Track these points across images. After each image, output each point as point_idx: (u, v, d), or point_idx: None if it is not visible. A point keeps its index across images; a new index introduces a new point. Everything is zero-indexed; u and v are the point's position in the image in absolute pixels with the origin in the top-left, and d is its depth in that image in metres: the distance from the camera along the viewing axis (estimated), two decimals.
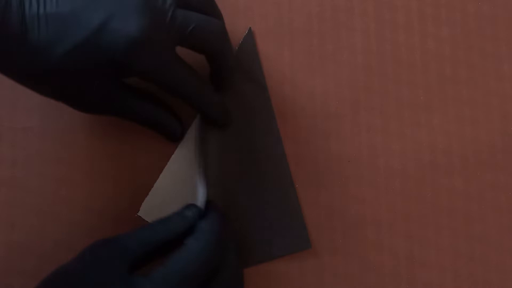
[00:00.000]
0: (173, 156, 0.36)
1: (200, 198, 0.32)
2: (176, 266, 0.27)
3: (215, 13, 0.33)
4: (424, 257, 0.36)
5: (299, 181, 0.37)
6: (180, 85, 0.31)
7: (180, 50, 0.31)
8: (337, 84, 0.38)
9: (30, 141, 0.37)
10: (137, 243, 0.28)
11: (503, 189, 0.37)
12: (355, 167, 0.37)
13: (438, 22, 0.39)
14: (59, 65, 0.28)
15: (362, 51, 0.38)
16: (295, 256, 0.35)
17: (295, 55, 0.38)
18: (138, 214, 0.35)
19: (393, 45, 0.38)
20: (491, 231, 0.36)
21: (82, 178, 0.36)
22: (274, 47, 0.38)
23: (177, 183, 0.36)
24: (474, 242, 0.36)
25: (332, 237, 0.36)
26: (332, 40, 0.38)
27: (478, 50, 0.38)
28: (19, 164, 0.36)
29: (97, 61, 0.29)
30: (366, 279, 0.36)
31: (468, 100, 0.38)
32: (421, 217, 0.36)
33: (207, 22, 0.31)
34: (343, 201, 0.36)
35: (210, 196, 0.33)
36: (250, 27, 0.38)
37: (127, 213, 0.36)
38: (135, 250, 0.27)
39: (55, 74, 0.29)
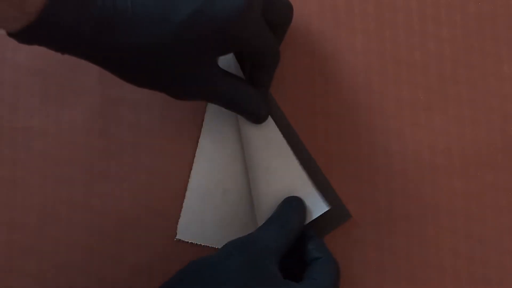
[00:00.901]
0: (192, 171, 0.36)
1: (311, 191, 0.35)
2: (324, 281, 0.30)
3: None
4: (424, 257, 0.36)
5: None
6: (269, 50, 0.32)
7: None
8: (337, 84, 0.38)
9: (30, 141, 0.37)
10: (279, 246, 0.31)
11: (503, 189, 0.37)
12: (355, 167, 0.37)
13: (438, 22, 0.39)
14: (171, 37, 0.28)
15: (362, 51, 0.38)
16: None
17: (295, 55, 0.38)
18: (177, 237, 0.35)
19: (393, 45, 0.38)
20: (491, 231, 0.36)
21: (82, 178, 0.36)
22: None
23: (204, 195, 0.36)
24: (474, 242, 0.36)
25: (332, 238, 0.36)
26: (332, 40, 0.38)
27: (478, 50, 0.38)
28: (19, 164, 0.36)
29: (208, 30, 0.29)
30: (365, 279, 0.36)
31: (468, 100, 0.38)
32: (421, 217, 0.36)
33: None
34: (343, 201, 0.36)
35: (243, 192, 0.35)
36: None
37: (127, 213, 0.36)
38: (277, 252, 0.30)
39: (163, 49, 0.28)
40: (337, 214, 0.36)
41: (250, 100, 0.34)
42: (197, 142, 0.37)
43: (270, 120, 0.36)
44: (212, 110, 0.37)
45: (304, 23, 0.38)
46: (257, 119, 0.35)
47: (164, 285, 0.28)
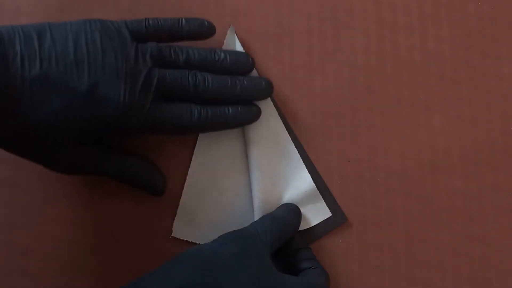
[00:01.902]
0: (190, 169, 0.36)
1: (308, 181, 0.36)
2: (317, 280, 0.32)
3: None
4: (424, 257, 0.36)
5: None
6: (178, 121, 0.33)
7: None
8: (337, 84, 0.38)
9: None
10: (272, 239, 0.31)
11: (503, 189, 0.37)
12: (355, 167, 0.37)
13: (438, 22, 0.39)
14: (52, 120, 0.29)
15: (362, 51, 0.38)
16: None
17: (295, 55, 0.38)
18: (173, 235, 0.35)
19: (393, 45, 0.38)
20: (491, 231, 0.36)
21: (82, 177, 0.36)
22: (274, 47, 0.38)
23: (201, 194, 0.36)
24: (474, 242, 0.36)
25: (332, 238, 0.36)
26: (332, 40, 0.38)
27: (478, 50, 0.38)
28: (19, 164, 0.36)
29: (86, 122, 0.30)
30: (365, 279, 0.36)
31: (468, 100, 0.38)
32: (421, 217, 0.36)
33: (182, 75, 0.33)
34: (343, 201, 0.36)
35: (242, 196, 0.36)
36: (231, 25, 0.37)
37: (128, 212, 0.36)
38: (271, 245, 0.31)
39: (49, 129, 0.30)
40: (333, 218, 0.36)
41: (142, 175, 0.34)
42: (196, 141, 0.37)
43: (279, 122, 0.36)
44: None
45: (304, 23, 0.38)
46: (155, 193, 0.35)
47: (161, 268, 0.28)
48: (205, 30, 0.35)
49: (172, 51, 0.33)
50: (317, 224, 0.36)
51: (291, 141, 0.36)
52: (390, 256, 0.36)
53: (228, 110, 0.34)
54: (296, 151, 0.36)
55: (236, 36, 0.37)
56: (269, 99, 0.37)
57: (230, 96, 0.34)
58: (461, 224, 0.36)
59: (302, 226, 0.35)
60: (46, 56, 0.29)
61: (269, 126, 0.36)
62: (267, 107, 0.37)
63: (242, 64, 0.35)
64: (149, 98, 0.32)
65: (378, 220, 0.36)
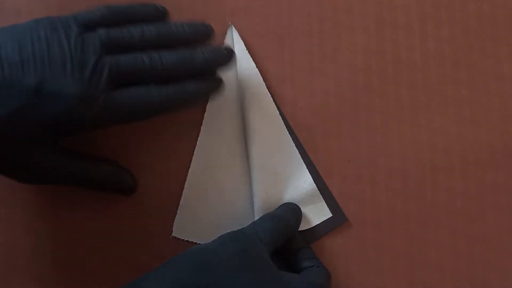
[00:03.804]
0: (190, 169, 0.36)
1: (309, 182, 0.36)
2: (318, 279, 0.32)
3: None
4: (424, 257, 0.36)
5: None
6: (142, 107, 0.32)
7: None
8: (337, 84, 0.38)
9: None
10: (272, 238, 0.31)
11: (503, 189, 0.37)
12: (355, 167, 0.37)
13: (438, 22, 0.39)
14: (6, 125, 0.29)
15: (362, 51, 0.38)
16: None
17: (295, 55, 0.38)
18: (173, 235, 0.35)
19: (393, 45, 0.38)
20: (491, 231, 0.36)
21: None
22: (274, 47, 0.38)
23: (201, 194, 0.36)
24: (474, 242, 0.36)
25: (332, 238, 0.36)
26: (332, 40, 0.38)
27: (478, 50, 0.38)
28: None
29: (39, 121, 0.30)
30: (365, 279, 0.36)
31: (468, 100, 0.38)
32: (421, 217, 0.36)
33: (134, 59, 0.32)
34: (343, 201, 0.36)
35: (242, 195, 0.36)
36: (230, 23, 0.38)
37: (128, 212, 0.36)
38: (270, 244, 0.31)
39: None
40: (333, 218, 0.36)
41: (109, 176, 0.34)
42: (196, 142, 0.37)
43: (280, 122, 0.37)
44: (212, 110, 0.37)
45: (304, 23, 0.38)
46: (126, 193, 0.35)
47: (160, 268, 0.28)
48: (160, 14, 0.35)
49: (124, 32, 0.32)
50: (317, 224, 0.36)
51: (292, 141, 0.36)
52: (390, 256, 0.36)
53: (189, 85, 0.33)
54: (297, 151, 0.36)
55: (237, 34, 0.37)
56: (270, 98, 0.37)
57: (192, 70, 0.33)
58: (461, 224, 0.36)
59: (303, 227, 0.35)
60: None
61: (270, 126, 0.36)
62: (268, 106, 0.37)
63: (200, 32, 0.34)
64: (100, 88, 0.30)
65: (378, 220, 0.36)
